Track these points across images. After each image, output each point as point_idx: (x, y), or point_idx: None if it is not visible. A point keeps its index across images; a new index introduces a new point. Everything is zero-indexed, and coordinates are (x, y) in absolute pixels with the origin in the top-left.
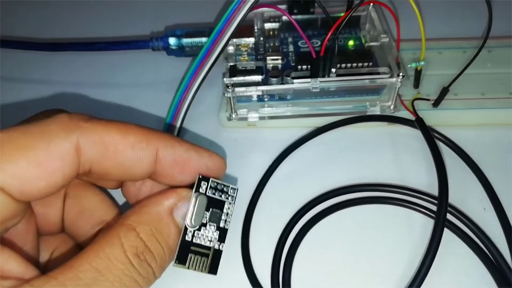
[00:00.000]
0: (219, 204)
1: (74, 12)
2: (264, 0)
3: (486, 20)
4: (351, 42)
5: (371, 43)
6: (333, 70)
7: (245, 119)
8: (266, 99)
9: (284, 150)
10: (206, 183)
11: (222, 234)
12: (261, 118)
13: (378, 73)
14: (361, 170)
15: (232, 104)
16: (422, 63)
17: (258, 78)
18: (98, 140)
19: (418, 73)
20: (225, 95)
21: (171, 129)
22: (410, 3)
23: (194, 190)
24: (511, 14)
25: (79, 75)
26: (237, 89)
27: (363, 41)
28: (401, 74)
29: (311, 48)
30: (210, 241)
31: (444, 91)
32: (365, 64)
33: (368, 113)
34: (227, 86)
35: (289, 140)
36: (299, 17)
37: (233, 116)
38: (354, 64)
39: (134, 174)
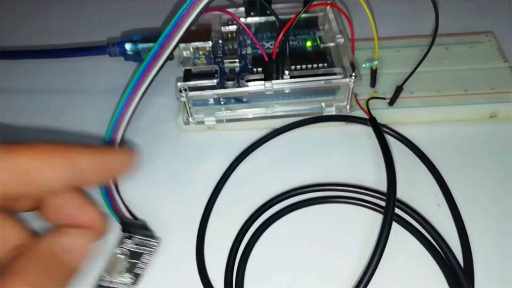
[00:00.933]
0: (139, 255)
1: (31, 19)
2: (221, 2)
3: (445, 17)
4: (309, 43)
5: (327, 44)
6: (286, 72)
7: (202, 122)
8: (222, 102)
9: (241, 153)
10: (129, 241)
11: (136, 278)
12: (218, 121)
13: (331, 74)
14: (317, 170)
15: (188, 108)
16: (376, 62)
17: (213, 82)
18: (16, 168)
19: (374, 72)
20: (179, 99)
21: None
22: (361, 3)
23: (117, 245)
24: (469, 12)
25: (36, 82)
26: (191, 93)
27: (319, 42)
28: (353, 74)
29: (262, 51)
30: (124, 284)
31: (398, 90)
32: (320, 65)
33: (324, 114)
34: (180, 91)
35: (248, 142)
36: (256, 19)
37: (190, 120)
38: (309, 66)
39: (52, 190)
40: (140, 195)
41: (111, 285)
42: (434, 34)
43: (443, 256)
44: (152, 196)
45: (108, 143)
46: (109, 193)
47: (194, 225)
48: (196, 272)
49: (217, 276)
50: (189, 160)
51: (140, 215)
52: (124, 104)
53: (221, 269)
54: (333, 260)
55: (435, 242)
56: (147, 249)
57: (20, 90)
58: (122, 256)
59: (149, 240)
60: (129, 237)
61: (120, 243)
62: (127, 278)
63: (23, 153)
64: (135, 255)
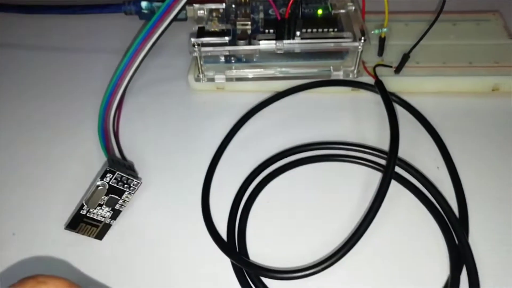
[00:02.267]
0: (120, 192)
1: None
2: None
3: None
4: (320, 11)
5: (338, 11)
6: (298, 33)
7: (212, 80)
8: (233, 61)
9: (247, 113)
10: (111, 175)
11: (116, 214)
12: (228, 79)
13: (341, 37)
14: (321, 131)
15: (200, 65)
16: (385, 29)
17: (225, 39)
18: None
19: (382, 41)
20: (192, 54)
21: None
22: None
23: (99, 178)
24: None
25: (53, 38)
26: (203, 48)
27: (330, 9)
28: (363, 38)
29: (276, 11)
30: (103, 217)
31: (405, 57)
32: (330, 29)
33: (332, 77)
34: (194, 45)
35: (255, 103)
36: None
37: (201, 76)
38: (320, 30)
39: None
40: (142, 143)
41: (89, 215)
42: (440, 10)
43: (440, 209)
44: (157, 147)
45: (105, 106)
46: (106, 130)
47: (200, 176)
48: (198, 219)
49: (220, 224)
50: (198, 118)
51: (139, 162)
52: (126, 64)
53: (224, 218)
54: (332, 213)
55: (433, 197)
56: (128, 187)
57: (34, 46)
58: (103, 189)
59: (131, 179)
60: (112, 172)
61: (102, 176)
62: (106, 211)
63: None
64: (117, 192)
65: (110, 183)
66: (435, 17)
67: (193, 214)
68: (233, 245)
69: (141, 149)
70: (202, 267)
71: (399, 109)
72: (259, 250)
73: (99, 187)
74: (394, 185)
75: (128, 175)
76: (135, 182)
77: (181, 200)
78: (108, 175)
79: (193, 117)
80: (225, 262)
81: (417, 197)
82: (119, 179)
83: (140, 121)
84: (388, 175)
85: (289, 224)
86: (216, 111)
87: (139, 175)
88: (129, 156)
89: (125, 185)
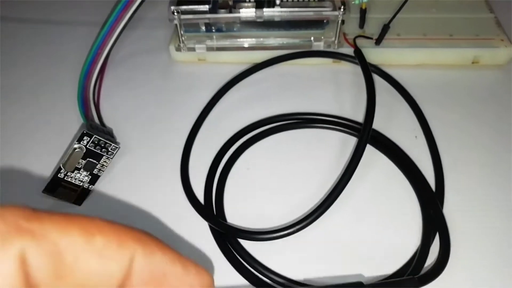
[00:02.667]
0: (97, 156)
1: None
2: None
3: None
4: None
5: None
6: (277, 1)
7: (193, 49)
8: (214, 30)
9: (226, 84)
10: (88, 138)
11: (94, 179)
12: (208, 49)
13: (321, 7)
14: (300, 102)
15: (180, 34)
16: (365, 0)
17: (205, 7)
18: (50, 249)
19: (363, 13)
20: (171, 21)
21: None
22: None
23: (76, 141)
24: None
25: (34, 10)
26: (183, 16)
27: None
28: (342, 7)
29: None
30: (81, 181)
31: (385, 28)
32: None
33: (313, 48)
34: (173, 13)
35: (236, 73)
36: None
37: (181, 46)
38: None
39: None
40: (123, 113)
41: (67, 179)
42: None
43: (416, 178)
44: (138, 117)
45: (85, 74)
46: (85, 98)
47: (179, 143)
48: (177, 185)
49: (198, 190)
50: (179, 89)
51: (119, 131)
52: (106, 32)
53: (203, 184)
54: (309, 177)
55: (409, 165)
56: (106, 151)
57: (15, 19)
58: (80, 151)
59: (108, 143)
60: (89, 135)
61: (79, 139)
62: (84, 176)
63: (66, 226)
64: (94, 155)
65: (87, 146)
66: None
67: (172, 180)
68: (210, 208)
69: (121, 118)
70: (181, 231)
71: (379, 80)
72: (237, 213)
73: (76, 150)
74: (370, 150)
75: (106, 139)
76: (113, 147)
77: (160, 167)
78: (85, 138)
79: (174, 88)
80: (204, 225)
81: (393, 162)
82: (96, 142)
83: (121, 92)
84: (364, 137)
85: (267, 188)
86: (198, 82)
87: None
88: (109, 124)
89: (103, 149)
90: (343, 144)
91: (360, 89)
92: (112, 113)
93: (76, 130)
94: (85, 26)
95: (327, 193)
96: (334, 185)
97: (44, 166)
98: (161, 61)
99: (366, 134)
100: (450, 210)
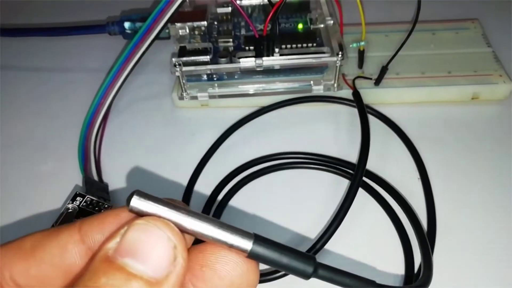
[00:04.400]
0: (90, 214)
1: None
2: None
3: (434, 4)
4: (300, 25)
5: (317, 26)
6: (276, 49)
7: (196, 98)
8: (215, 79)
9: (229, 128)
10: (81, 198)
11: None
12: (211, 97)
13: (319, 53)
14: (298, 143)
15: (182, 84)
16: (363, 43)
17: (206, 58)
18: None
19: (361, 54)
20: (173, 73)
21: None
22: None
23: (70, 200)
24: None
25: (40, 58)
26: (185, 68)
27: (309, 23)
28: (340, 53)
29: (253, 29)
30: None
31: (384, 70)
32: (310, 44)
33: (313, 91)
34: (175, 65)
35: (238, 118)
36: (251, 2)
37: (184, 95)
38: (299, 45)
39: None
40: (125, 160)
41: None
42: (416, 17)
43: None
44: (137, 165)
45: (87, 125)
46: (86, 149)
47: (180, 186)
48: None
49: None
50: (183, 134)
51: (119, 179)
52: (109, 83)
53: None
54: (301, 218)
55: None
56: (99, 210)
57: (22, 66)
58: (72, 212)
59: (101, 203)
60: (82, 196)
61: (73, 199)
62: None
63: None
64: (87, 214)
65: (80, 206)
66: (410, 29)
67: None
68: None
69: (121, 165)
70: None
71: (377, 121)
72: None
73: (69, 210)
74: (363, 195)
75: (99, 198)
76: (106, 206)
77: None
78: (78, 198)
79: (177, 133)
80: None
81: (383, 208)
82: (89, 202)
83: (124, 138)
84: (356, 182)
85: (261, 225)
86: (200, 127)
87: (118, 192)
88: (110, 171)
89: (96, 208)
90: (337, 185)
91: (358, 130)
92: (113, 160)
93: (76, 180)
94: (90, 72)
95: (316, 238)
96: (323, 230)
97: (43, 218)
98: (164, 106)
99: (356, 182)
100: (440, 253)
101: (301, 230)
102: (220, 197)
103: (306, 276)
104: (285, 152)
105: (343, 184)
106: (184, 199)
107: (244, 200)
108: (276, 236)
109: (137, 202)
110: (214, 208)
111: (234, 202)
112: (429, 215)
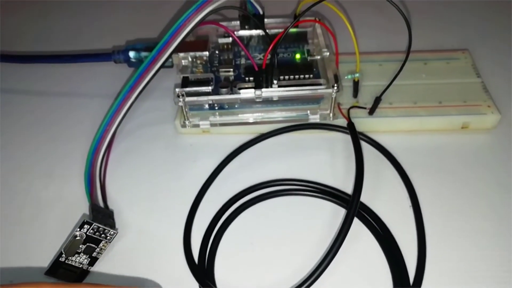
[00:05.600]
0: (97, 241)
1: (42, 27)
2: (218, 16)
3: (429, 35)
4: (298, 56)
5: (314, 57)
6: (275, 81)
7: (198, 125)
8: (217, 108)
9: (228, 155)
10: (88, 226)
11: (93, 261)
12: (212, 125)
13: (316, 84)
14: (295, 170)
15: (185, 112)
16: (357, 74)
17: (208, 88)
18: None
19: (356, 84)
20: (176, 104)
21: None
22: (342, 18)
23: (78, 228)
24: (449, 31)
25: (46, 84)
26: (187, 98)
27: (306, 54)
28: (336, 86)
29: (253, 62)
30: (81, 263)
31: (377, 100)
32: (307, 76)
33: (309, 121)
34: (178, 96)
35: (239, 144)
36: (250, 32)
37: (187, 123)
38: (296, 76)
39: None
40: (128, 186)
41: (68, 262)
42: (408, 50)
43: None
44: (142, 189)
45: (93, 151)
46: (92, 175)
47: (181, 218)
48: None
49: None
50: (185, 161)
51: (123, 204)
52: (114, 110)
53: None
54: (295, 246)
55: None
56: (105, 237)
57: (28, 91)
58: (80, 239)
59: (107, 230)
60: (89, 224)
61: (80, 226)
62: (84, 259)
63: None
64: (94, 240)
65: (87, 233)
66: (403, 62)
67: (174, 256)
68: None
69: (126, 191)
70: None
71: (372, 150)
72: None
73: (77, 237)
74: (356, 223)
75: (105, 225)
76: (112, 232)
77: (162, 243)
78: (85, 226)
79: (179, 159)
80: None
81: (375, 238)
82: (96, 229)
83: (127, 164)
84: (351, 213)
85: (255, 255)
86: (202, 153)
87: (122, 217)
88: (113, 196)
89: (102, 235)
90: (333, 213)
91: (352, 156)
92: (117, 185)
93: (83, 205)
94: (95, 98)
95: (311, 270)
96: (318, 262)
97: (49, 243)
98: (167, 132)
99: (350, 216)
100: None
101: (296, 260)
102: (220, 222)
103: None
104: (283, 179)
105: (339, 211)
106: (187, 223)
107: (243, 224)
108: (276, 266)
109: None
110: (215, 233)
111: (233, 227)
112: (420, 245)
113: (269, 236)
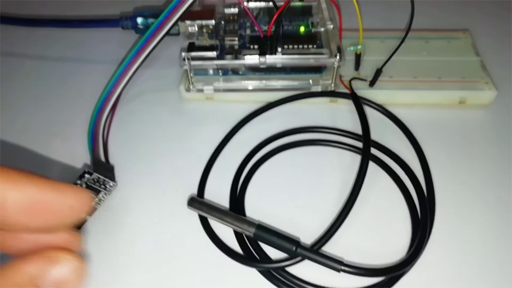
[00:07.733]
0: (96, 191)
1: None
2: None
3: (430, 15)
4: (302, 28)
5: (318, 29)
6: (279, 49)
7: (202, 90)
8: (221, 73)
9: (238, 123)
10: (89, 175)
11: (92, 211)
12: (216, 90)
13: (319, 54)
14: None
15: (190, 77)
16: (359, 46)
17: (213, 53)
18: None
19: (358, 57)
20: (182, 67)
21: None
22: None
23: (78, 177)
24: (452, 11)
25: (52, 48)
26: (193, 62)
27: (311, 26)
28: (338, 55)
29: (258, 29)
30: None
31: (378, 72)
32: (310, 46)
33: (311, 90)
34: (184, 59)
35: (241, 112)
36: (257, 4)
37: (191, 87)
38: (300, 46)
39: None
40: (132, 146)
41: None
42: (410, 23)
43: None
44: (146, 150)
45: (98, 111)
46: (95, 133)
47: (193, 178)
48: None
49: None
50: (189, 124)
51: (123, 164)
52: (120, 73)
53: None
54: (316, 194)
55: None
56: (104, 188)
57: (33, 56)
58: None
59: (107, 181)
60: (89, 173)
61: (80, 176)
62: None
63: None
64: (93, 191)
65: (87, 182)
66: (404, 36)
67: (179, 213)
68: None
69: (129, 151)
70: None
71: (374, 113)
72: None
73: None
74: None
75: (105, 177)
76: (111, 184)
77: (169, 200)
78: (86, 175)
79: (183, 124)
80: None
81: (391, 177)
82: (96, 179)
83: (131, 126)
84: (365, 160)
85: (279, 203)
86: (205, 119)
87: (126, 176)
88: (116, 158)
89: (102, 186)
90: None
91: (356, 123)
92: (120, 145)
93: (84, 160)
94: (101, 63)
95: (336, 216)
96: (341, 208)
97: None
98: (171, 98)
99: (365, 161)
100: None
101: (316, 204)
102: (244, 173)
103: (291, 252)
104: (295, 128)
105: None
106: (201, 179)
107: (267, 173)
108: (300, 214)
109: None
110: (239, 186)
111: (256, 177)
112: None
113: (289, 186)
